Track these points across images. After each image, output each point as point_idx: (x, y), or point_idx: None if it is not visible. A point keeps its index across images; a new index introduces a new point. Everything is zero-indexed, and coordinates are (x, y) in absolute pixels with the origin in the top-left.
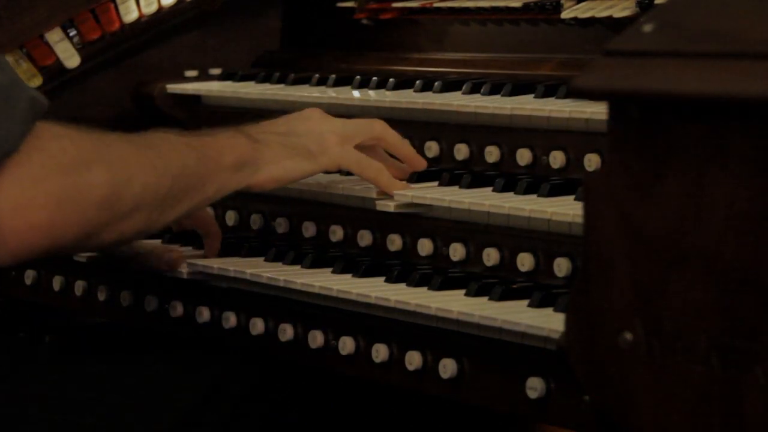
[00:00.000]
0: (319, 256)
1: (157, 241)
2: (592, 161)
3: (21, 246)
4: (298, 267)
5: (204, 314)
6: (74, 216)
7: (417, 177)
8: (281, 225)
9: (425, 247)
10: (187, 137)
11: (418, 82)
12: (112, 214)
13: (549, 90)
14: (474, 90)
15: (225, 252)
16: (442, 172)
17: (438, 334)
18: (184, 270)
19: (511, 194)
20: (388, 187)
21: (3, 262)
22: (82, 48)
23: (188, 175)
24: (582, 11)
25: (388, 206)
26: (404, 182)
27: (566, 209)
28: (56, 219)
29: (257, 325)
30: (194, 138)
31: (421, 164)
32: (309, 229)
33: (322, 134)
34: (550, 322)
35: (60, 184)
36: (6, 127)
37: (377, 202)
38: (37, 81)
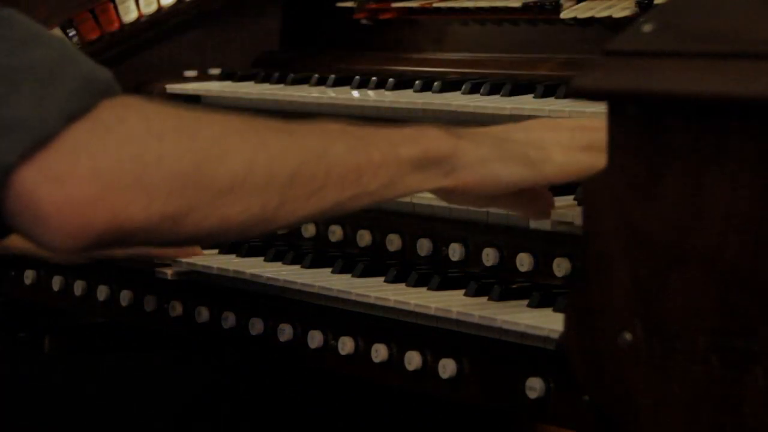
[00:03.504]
0: (318, 256)
1: None
2: None
3: (71, 224)
4: (297, 267)
5: (203, 314)
6: (138, 192)
7: None
8: None
9: (424, 247)
10: (352, 126)
11: (417, 82)
12: (198, 193)
13: (548, 90)
14: (473, 90)
15: (225, 252)
16: None
17: (437, 334)
18: (183, 261)
19: None
20: None
21: (58, 242)
22: (81, 48)
23: (329, 162)
24: (581, 11)
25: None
26: None
27: (566, 209)
28: (112, 194)
29: (256, 325)
30: (363, 127)
31: None
32: (308, 229)
33: (544, 142)
34: (549, 322)
35: (113, 154)
36: (45, 107)
37: None
38: None
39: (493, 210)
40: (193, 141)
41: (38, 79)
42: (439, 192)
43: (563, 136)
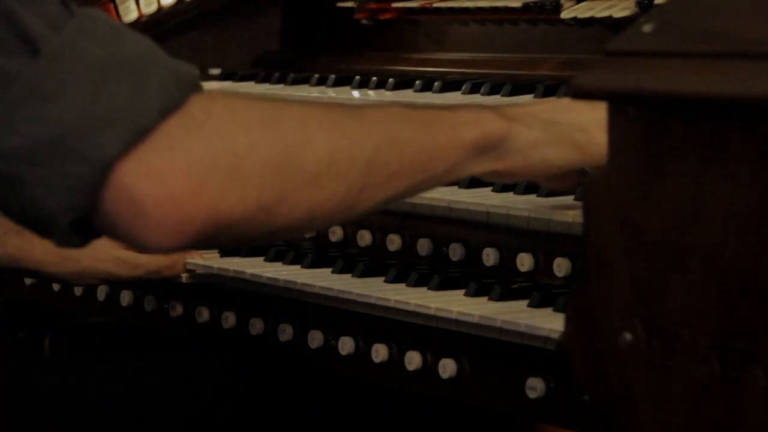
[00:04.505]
0: (318, 256)
1: None
2: None
3: (172, 217)
4: (297, 267)
5: (203, 314)
6: (233, 183)
7: None
8: None
9: (425, 247)
10: (414, 108)
11: (417, 82)
12: (287, 181)
13: (549, 90)
14: (474, 90)
15: (225, 252)
16: None
17: (438, 334)
18: (183, 275)
19: (510, 194)
20: None
21: (158, 239)
22: None
23: (402, 146)
24: (582, 11)
25: None
26: None
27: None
28: (209, 187)
29: (256, 325)
30: (424, 109)
31: None
32: None
33: (588, 125)
34: (550, 322)
35: (206, 147)
36: (142, 99)
37: None
38: None
39: (493, 210)
40: (278, 130)
41: (131, 73)
42: (491, 174)
43: (601, 115)
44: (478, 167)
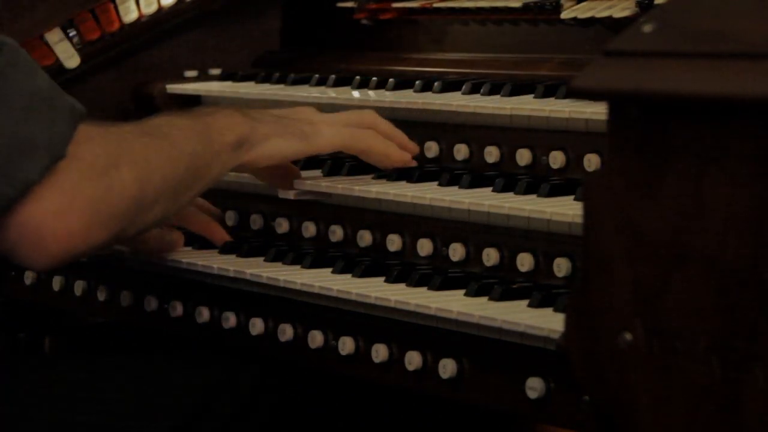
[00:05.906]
0: (318, 256)
1: None
2: (591, 161)
3: (62, 250)
4: (297, 267)
5: (204, 314)
6: (109, 217)
7: (417, 176)
8: (281, 225)
9: (425, 247)
10: (191, 120)
11: (417, 82)
12: (138, 209)
13: (549, 90)
14: (474, 90)
15: (225, 252)
16: (441, 172)
17: (438, 334)
18: (183, 261)
19: (510, 194)
20: (395, 155)
21: (43, 265)
22: (81, 48)
23: (198, 160)
24: (582, 11)
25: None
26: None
27: (566, 209)
28: (93, 222)
29: (257, 325)
30: (198, 120)
31: (414, 150)
32: (309, 229)
33: (313, 119)
34: (550, 322)
35: (95, 188)
36: (57, 132)
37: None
38: None
39: (493, 210)
40: (136, 168)
41: (48, 105)
42: (240, 166)
43: (327, 116)
44: (235, 162)
